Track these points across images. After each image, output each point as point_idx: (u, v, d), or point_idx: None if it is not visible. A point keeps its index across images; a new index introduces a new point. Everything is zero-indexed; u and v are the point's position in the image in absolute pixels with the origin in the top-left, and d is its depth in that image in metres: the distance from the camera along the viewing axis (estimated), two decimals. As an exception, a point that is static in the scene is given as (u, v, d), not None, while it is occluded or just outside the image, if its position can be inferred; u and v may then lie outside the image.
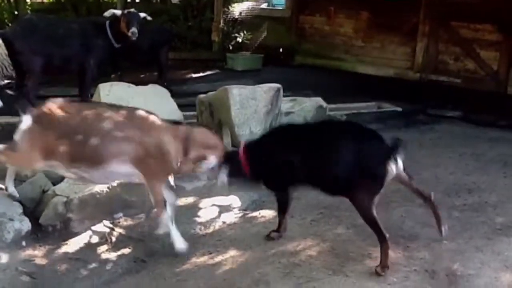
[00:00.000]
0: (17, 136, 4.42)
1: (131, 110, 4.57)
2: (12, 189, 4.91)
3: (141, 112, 4.53)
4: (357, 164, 4.16)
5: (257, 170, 4.53)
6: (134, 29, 8.01)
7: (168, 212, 4.50)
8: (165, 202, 4.50)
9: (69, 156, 4.35)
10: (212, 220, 5.19)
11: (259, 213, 5.30)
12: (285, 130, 4.79)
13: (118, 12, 8.20)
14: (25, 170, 5.22)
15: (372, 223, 4.22)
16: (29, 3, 14.33)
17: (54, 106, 4.48)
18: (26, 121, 4.43)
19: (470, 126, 8.68)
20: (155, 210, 4.58)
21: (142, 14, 8.41)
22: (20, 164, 4.74)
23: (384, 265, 4.19)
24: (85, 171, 4.43)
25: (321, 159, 4.29)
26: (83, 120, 4.38)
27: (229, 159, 4.55)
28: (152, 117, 4.51)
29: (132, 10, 8.38)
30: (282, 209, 4.73)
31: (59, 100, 4.58)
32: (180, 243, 4.54)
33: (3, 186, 5.11)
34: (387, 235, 4.20)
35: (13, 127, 4.53)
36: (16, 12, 13.81)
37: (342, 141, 4.29)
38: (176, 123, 4.67)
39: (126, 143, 4.36)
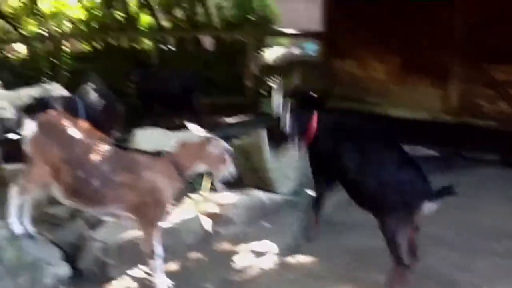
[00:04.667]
0: (25, 147, 4.50)
1: (125, 151, 4.62)
2: (29, 228, 4.73)
3: (132, 153, 4.57)
4: (406, 184, 4.26)
5: (317, 144, 4.64)
6: None
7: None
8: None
9: (70, 188, 4.40)
10: (249, 266, 5.13)
11: (296, 259, 5.25)
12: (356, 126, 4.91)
13: None
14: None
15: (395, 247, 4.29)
16: (66, 51, 14.72)
17: (61, 120, 4.56)
18: (29, 127, 4.49)
19: (508, 170, 8.54)
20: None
21: None
22: (35, 181, 4.53)
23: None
24: (82, 207, 4.55)
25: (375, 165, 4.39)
26: (85, 154, 4.40)
27: (299, 113, 4.58)
28: (142, 157, 4.50)
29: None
30: (316, 201, 4.82)
31: (66, 116, 4.69)
32: None
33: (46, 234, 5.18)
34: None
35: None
36: (54, 60, 14.20)
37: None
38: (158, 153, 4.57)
39: (123, 190, 4.38)
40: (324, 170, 4.76)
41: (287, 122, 4.61)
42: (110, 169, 4.40)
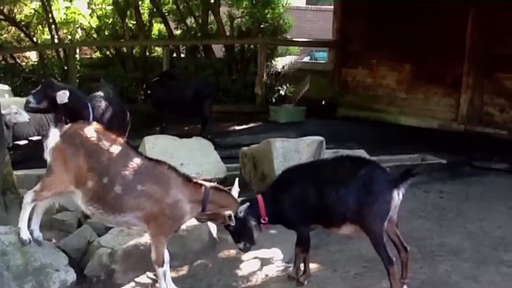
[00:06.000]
0: (47, 156, 4.52)
1: (155, 163, 4.60)
2: (38, 234, 4.74)
3: (163, 168, 4.57)
4: (366, 191, 4.42)
5: (275, 213, 4.72)
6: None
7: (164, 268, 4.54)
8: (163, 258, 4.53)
9: (94, 195, 4.42)
10: (254, 273, 5.15)
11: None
12: (291, 171, 4.96)
13: None
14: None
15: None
16: (78, 59, 14.84)
17: (87, 128, 4.59)
18: (53, 137, 4.51)
19: (517, 179, 8.48)
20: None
21: None
22: (54, 189, 4.55)
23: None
24: (101, 214, 4.51)
25: (333, 190, 4.53)
26: (111, 161, 4.45)
27: (247, 207, 4.66)
28: (173, 175, 4.54)
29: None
30: (306, 247, 4.84)
31: (92, 124, 4.74)
32: None
33: (54, 240, 5.22)
34: (394, 259, 4.41)
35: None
36: (65, 67, 14.31)
37: (349, 172, 4.58)
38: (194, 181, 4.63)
39: (144, 199, 4.43)
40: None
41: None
42: (134, 177, 4.44)
